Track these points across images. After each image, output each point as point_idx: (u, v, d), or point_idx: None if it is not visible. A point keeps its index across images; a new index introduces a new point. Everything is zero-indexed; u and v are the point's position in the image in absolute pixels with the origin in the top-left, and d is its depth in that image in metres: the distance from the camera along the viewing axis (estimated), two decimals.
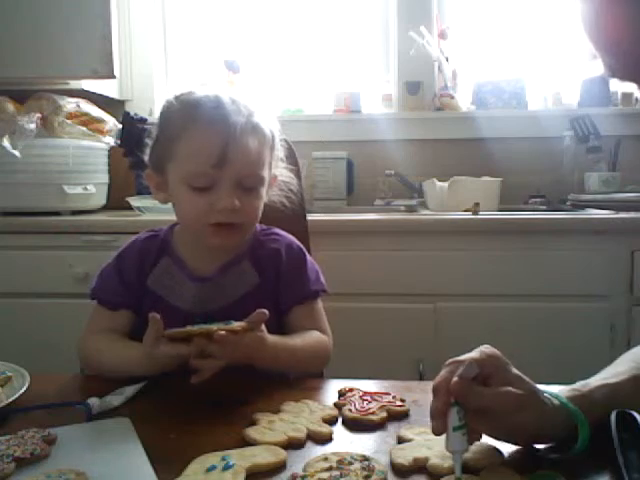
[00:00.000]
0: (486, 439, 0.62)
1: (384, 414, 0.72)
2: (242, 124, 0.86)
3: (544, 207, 2.08)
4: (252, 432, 0.67)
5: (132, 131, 2.00)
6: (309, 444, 0.66)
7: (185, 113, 0.88)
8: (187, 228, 0.96)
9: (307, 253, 1.02)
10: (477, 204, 1.76)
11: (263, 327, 0.82)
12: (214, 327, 0.76)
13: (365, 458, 0.60)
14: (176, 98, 0.92)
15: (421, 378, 1.55)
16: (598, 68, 0.64)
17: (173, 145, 0.88)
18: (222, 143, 0.85)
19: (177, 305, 0.93)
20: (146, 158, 0.96)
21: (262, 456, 0.61)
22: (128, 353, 0.86)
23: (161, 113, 0.93)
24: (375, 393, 0.77)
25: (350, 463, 0.59)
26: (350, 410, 0.72)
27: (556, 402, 0.61)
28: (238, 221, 0.89)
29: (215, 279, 0.94)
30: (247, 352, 0.80)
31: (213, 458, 0.60)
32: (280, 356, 0.86)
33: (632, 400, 0.64)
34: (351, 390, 0.78)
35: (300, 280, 0.96)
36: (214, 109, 0.87)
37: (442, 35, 2.24)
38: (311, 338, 0.93)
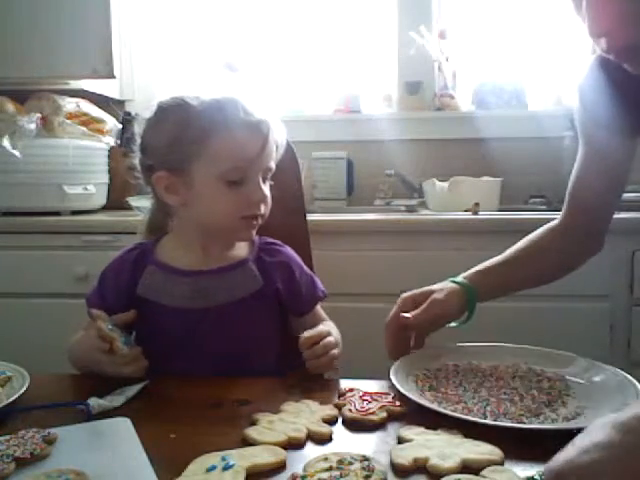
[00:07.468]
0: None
1: (384, 414, 0.72)
2: (267, 121, 0.92)
3: (544, 207, 2.07)
4: (252, 432, 0.67)
5: (132, 131, 2.00)
6: (309, 444, 0.66)
7: (211, 115, 0.89)
8: (214, 225, 0.95)
9: None
10: (477, 204, 1.76)
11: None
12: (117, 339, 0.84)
13: (365, 458, 0.60)
14: (195, 100, 0.91)
15: None
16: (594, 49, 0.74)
17: (201, 146, 0.89)
18: (259, 139, 0.90)
19: (172, 305, 0.93)
20: (149, 161, 0.96)
21: (262, 456, 0.61)
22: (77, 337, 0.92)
23: (177, 116, 0.91)
24: (375, 393, 0.77)
25: (350, 463, 0.59)
26: (350, 410, 0.72)
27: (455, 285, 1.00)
28: (265, 212, 0.94)
29: (214, 274, 0.95)
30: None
31: (213, 458, 0.60)
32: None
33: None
34: (351, 390, 0.78)
35: (312, 286, 1.03)
36: (240, 109, 0.90)
37: (442, 35, 2.24)
38: (335, 329, 1.00)
